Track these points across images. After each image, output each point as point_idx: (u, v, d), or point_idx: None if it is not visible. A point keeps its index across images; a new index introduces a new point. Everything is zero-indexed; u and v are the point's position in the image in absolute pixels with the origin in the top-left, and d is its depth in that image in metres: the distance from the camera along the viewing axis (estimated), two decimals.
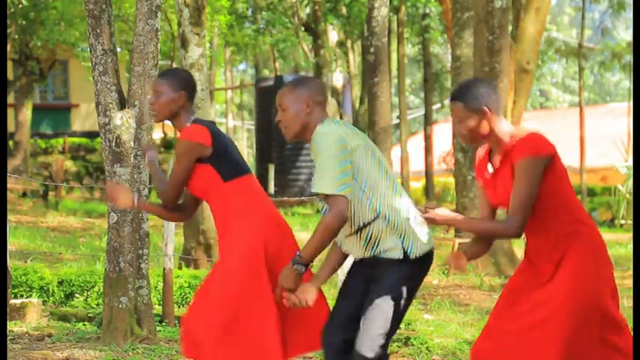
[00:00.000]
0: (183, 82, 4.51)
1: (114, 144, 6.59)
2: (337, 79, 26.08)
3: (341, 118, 24.87)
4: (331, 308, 4.29)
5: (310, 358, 6.46)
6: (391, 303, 4.07)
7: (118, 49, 17.28)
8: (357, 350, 4.04)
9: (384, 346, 4.07)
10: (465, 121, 3.89)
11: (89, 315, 7.49)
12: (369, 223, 4.08)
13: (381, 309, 4.05)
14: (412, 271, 4.10)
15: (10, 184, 19.06)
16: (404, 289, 4.10)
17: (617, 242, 15.52)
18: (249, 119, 44.14)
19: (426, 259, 4.12)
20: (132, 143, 6.62)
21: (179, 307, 7.70)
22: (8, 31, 19.16)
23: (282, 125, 4.15)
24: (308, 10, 25.54)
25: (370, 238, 4.08)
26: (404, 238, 4.07)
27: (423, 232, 4.11)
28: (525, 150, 3.84)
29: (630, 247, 13.14)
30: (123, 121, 6.62)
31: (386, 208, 4.07)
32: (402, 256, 4.07)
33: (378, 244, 4.09)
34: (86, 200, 21.89)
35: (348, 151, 4.00)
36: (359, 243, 4.12)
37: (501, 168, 3.95)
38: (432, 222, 3.97)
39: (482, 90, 3.91)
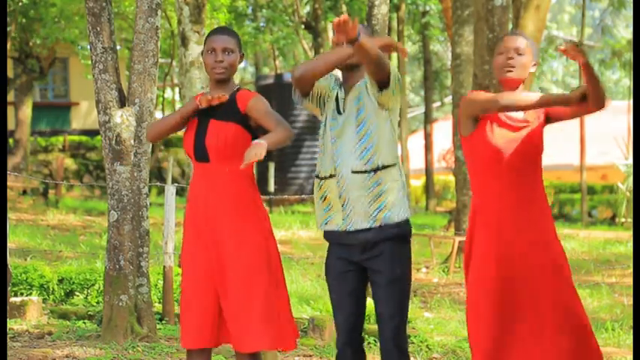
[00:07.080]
0: None
1: (114, 142, 6.59)
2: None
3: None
4: (335, 320, 4.27)
5: (310, 356, 6.46)
6: (405, 288, 4.18)
7: (118, 47, 17.22)
8: (393, 345, 4.12)
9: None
10: (524, 55, 4.21)
11: (89, 313, 7.49)
12: (386, 167, 4.11)
13: (400, 299, 4.15)
14: (408, 247, 4.20)
15: (10, 182, 19.05)
16: (407, 269, 4.20)
17: (617, 240, 15.53)
18: None
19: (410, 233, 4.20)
20: (132, 141, 6.63)
21: (179, 305, 7.69)
22: (8, 29, 19.14)
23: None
24: (308, 8, 25.53)
25: (379, 185, 4.08)
26: (407, 198, 4.18)
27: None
28: None
29: (630, 245, 13.13)
30: (123, 119, 6.62)
31: (399, 162, 4.18)
32: (407, 215, 4.12)
33: (385, 199, 4.08)
34: (86, 198, 21.90)
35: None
36: (365, 191, 4.08)
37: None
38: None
39: None
